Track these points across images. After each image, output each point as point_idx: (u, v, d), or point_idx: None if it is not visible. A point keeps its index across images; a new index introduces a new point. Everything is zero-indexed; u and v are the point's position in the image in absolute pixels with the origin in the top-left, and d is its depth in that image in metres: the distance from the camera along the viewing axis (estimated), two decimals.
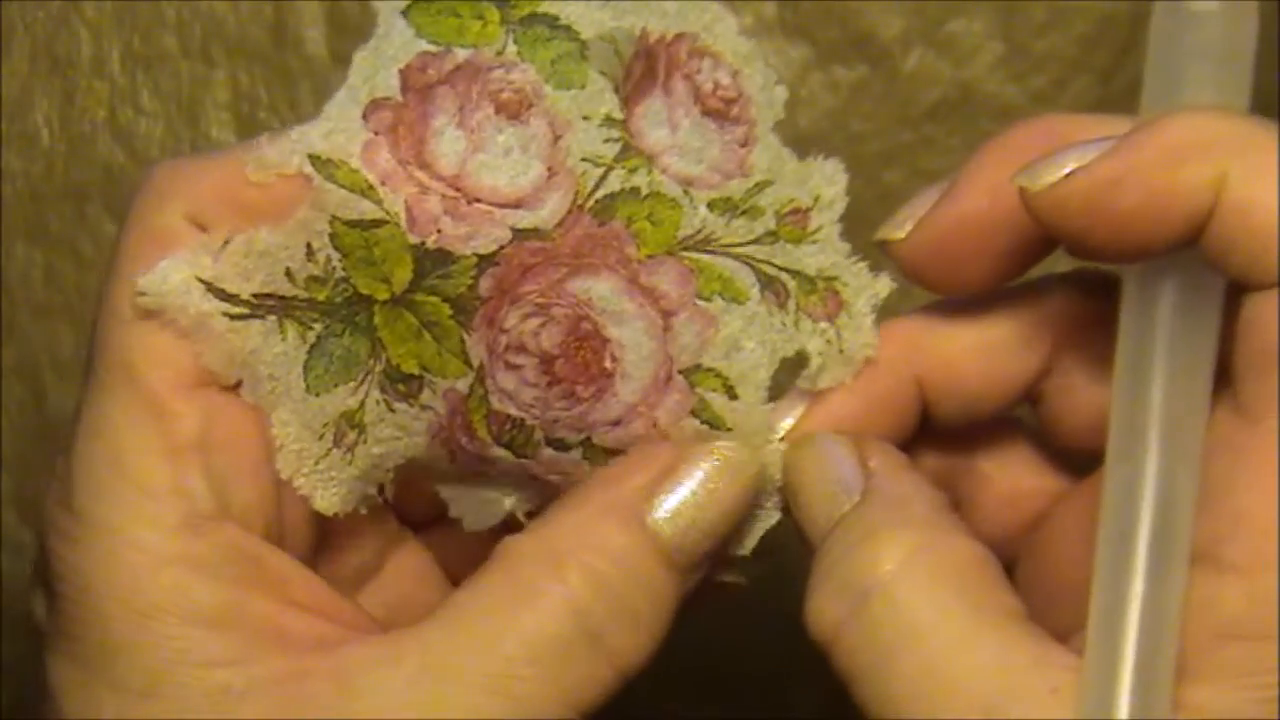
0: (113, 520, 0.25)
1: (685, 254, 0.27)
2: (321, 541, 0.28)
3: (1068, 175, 0.25)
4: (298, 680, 0.25)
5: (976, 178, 0.27)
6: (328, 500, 0.28)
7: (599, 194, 0.27)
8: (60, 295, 0.45)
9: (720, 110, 0.28)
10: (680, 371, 0.27)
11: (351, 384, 0.27)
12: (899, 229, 0.28)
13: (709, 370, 0.27)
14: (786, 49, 0.42)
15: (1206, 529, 0.24)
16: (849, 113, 0.42)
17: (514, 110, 0.27)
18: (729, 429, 0.28)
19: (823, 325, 0.28)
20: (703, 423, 0.28)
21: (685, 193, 0.27)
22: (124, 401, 0.26)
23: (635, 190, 0.27)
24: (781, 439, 0.28)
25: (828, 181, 0.29)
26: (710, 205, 0.28)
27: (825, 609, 0.25)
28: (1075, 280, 0.29)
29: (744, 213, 0.28)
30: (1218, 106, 0.25)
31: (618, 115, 0.27)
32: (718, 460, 0.27)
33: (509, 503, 0.29)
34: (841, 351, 0.28)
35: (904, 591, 0.25)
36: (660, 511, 0.27)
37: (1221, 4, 0.25)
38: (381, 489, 0.29)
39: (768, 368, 0.28)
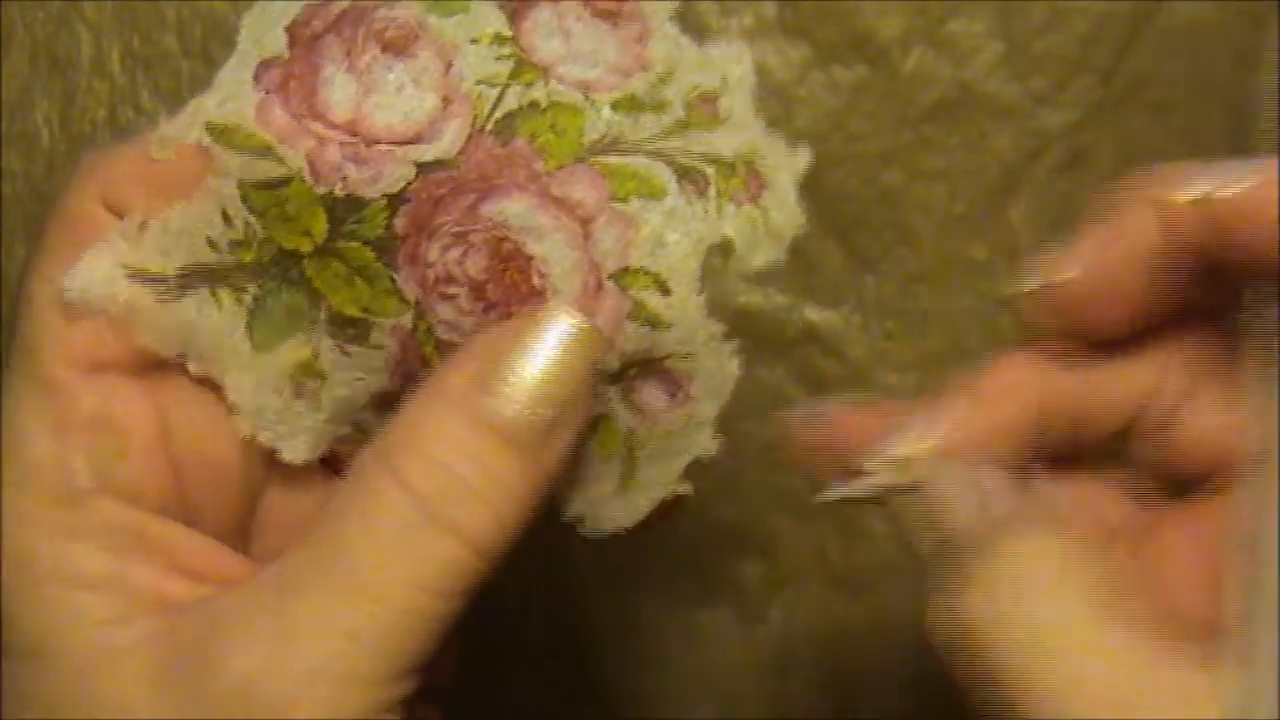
0: (4, 494, 0.27)
1: (595, 159, 0.27)
2: (260, 507, 0.29)
3: (1211, 191, 0.25)
4: (172, 633, 0.26)
5: (1108, 228, 0.27)
6: (295, 450, 0.28)
7: (498, 114, 0.27)
8: None
9: (610, 10, 0.28)
10: (609, 277, 0.27)
11: (300, 335, 0.28)
12: (1059, 271, 0.28)
13: (637, 271, 0.27)
14: (786, 49, 0.42)
15: None
16: (849, 113, 0.42)
17: (400, 46, 0.27)
18: (668, 325, 0.27)
19: (747, 207, 0.28)
20: (642, 324, 0.27)
21: (586, 98, 0.27)
22: (25, 383, 0.27)
23: (534, 104, 0.27)
24: (904, 459, 0.28)
25: (733, 62, 0.29)
26: (614, 106, 0.27)
27: (959, 610, 0.26)
28: (1191, 307, 0.29)
29: (650, 108, 0.28)
30: None
31: (506, 33, 0.27)
32: (545, 330, 0.27)
33: None
34: (769, 230, 0.28)
35: (1038, 593, 0.25)
36: (490, 391, 0.26)
37: None
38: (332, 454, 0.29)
39: (696, 258, 0.28)
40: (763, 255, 0.28)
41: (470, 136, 0.27)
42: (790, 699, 0.43)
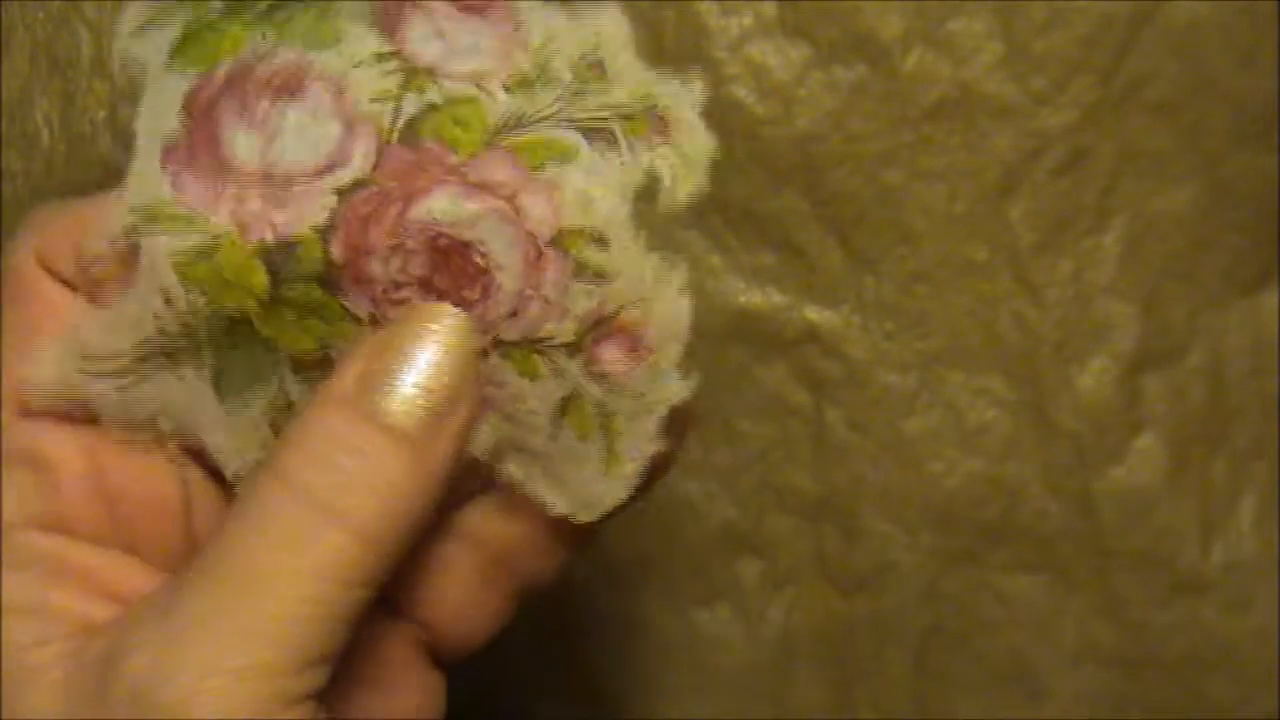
0: None
1: (503, 140, 0.28)
2: (204, 531, 0.30)
3: None
4: (84, 649, 0.27)
5: None
6: None
7: (400, 124, 0.27)
8: None
9: (477, 6, 0.29)
10: (547, 244, 0.28)
11: (267, 383, 0.28)
12: None
13: (570, 231, 0.28)
14: (786, 49, 0.42)
15: None
16: (849, 113, 0.42)
17: (290, 88, 0.28)
18: (614, 276, 0.28)
19: (660, 147, 0.29)
20: (591, 280, 0.28)
21: (478, 88, 0.28)
22: None
23: (432, 106, 0.28)
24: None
25: (608, 21, 0.29)
26: (507, 89, 0.28)
27: None
28: None
29: (541, 83, 0.28)
30: None
31: (386, 49, 0.28)
32: (422, 324, 0.27)
33: None
34: (685, 162, 0.28)
35: None
36: (372, 388, 0.27)
37: None
38: None
39: (624, 206, 0.28)
40: (685, 187, 0.29)
41: (380, 150, 0.27)
42: (790, 699, 0.43)
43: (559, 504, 0.29)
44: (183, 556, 0.30)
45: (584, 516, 0.29)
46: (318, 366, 0.28)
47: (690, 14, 0.42)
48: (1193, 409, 0.43)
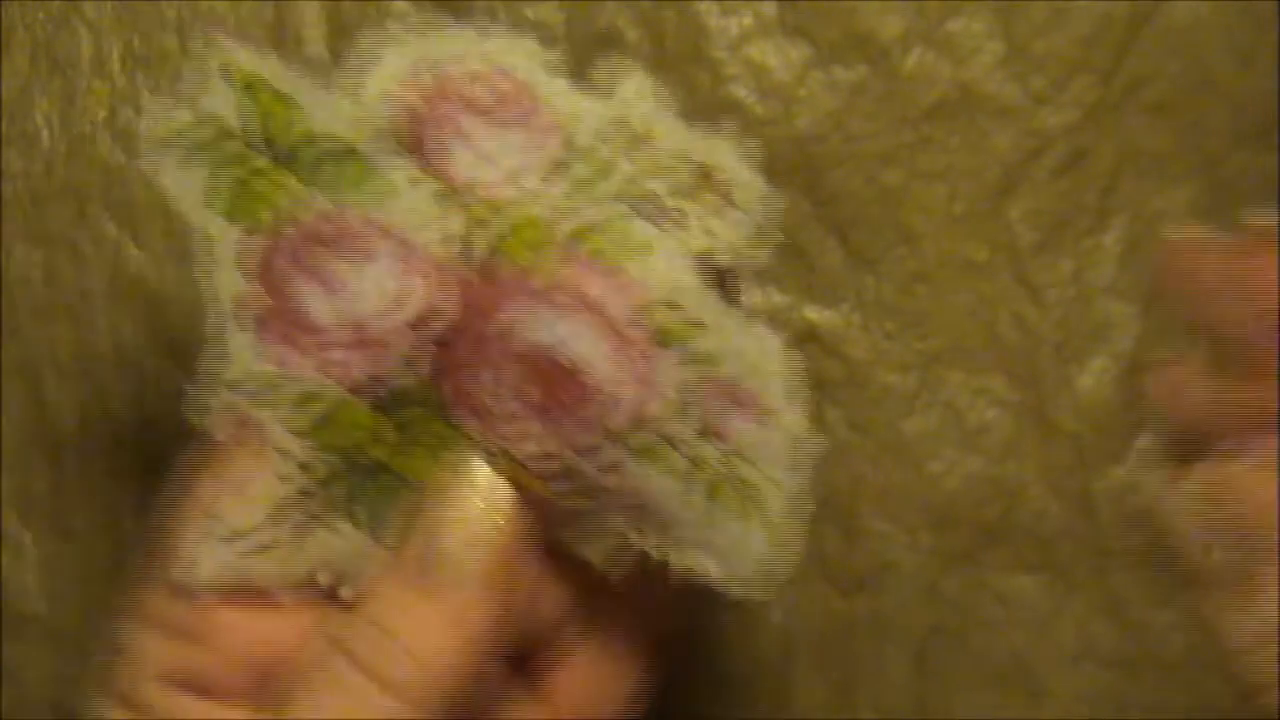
0: (110, 675, 0.29)
1: (567, 242, 0.27)
2: None
3: None
4: None
5: None
6: None
7: (473, 259, 0.27)
8: (60, 295, 0.45)
9: (514, 112, 0.28)
10: (643, 339, 0.27)
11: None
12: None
13: (660, 319, 0.28)
14: (786, 49, 0.42)
15: None
16: (849, 113, 0.42)
17: (359, 248, 0.27)
18: (712, 350, 0.28)
19: (712, 203, 0.28)
20: (695, 360, 0.28)
21: (534, 200, 0.27)
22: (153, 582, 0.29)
23: (499, 235, 0.27)
24: None
25: (635, 93, 0.29)
26: (555, 182, 0.28)
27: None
28: None
29: (594, 174, 0.28)
30: None
31: (439, 187, 0.27)
32: (465, 488, 0.28)
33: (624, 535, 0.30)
34: (744, 213, 0.28)
35: None
36: (420, 553, 0.28)
37: None
38: None
39: (698, 274, 0.28)
40: (748, 245, 0.28)
41: (460, 288, 0.27)
42: (790, 699, 0.43)
43: (714, 570, 0.29)
44: None
45: (760, 593, 0.29)
46: None
47: (690, 14, 0.42)
48: None
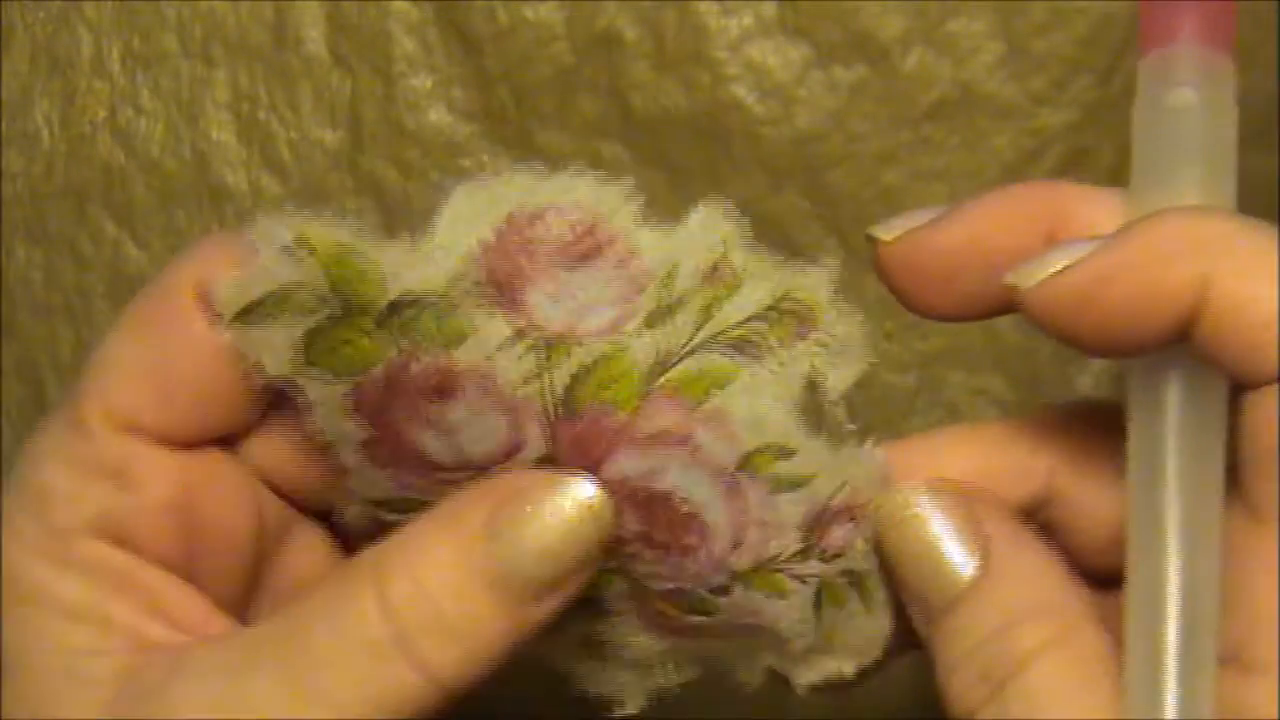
0: (12, 513, 0.28)
1: (659, 384, 0.27)
2: (267, 571, 0.30)
3: (1057, 273, 0.25)
4: (135, 670, 0.27)
5: (975, 214, 0.28)
6: None
7: (556, 399, 0.27)
8: (60, 295, 0.45)
9: (588, 250, 0.27)
10: (738, 471, 0.27)
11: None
12: (888, 232, 0.28)
13: (753, 453, 0.27)
14: (786, 49, 0.42)
15: (1229, 631, 0.25)
16: (849, 113, 0.42)
17: (444, 390, 0.27)
18: (810, 478, 0.28)
19: (808, 341, 0.28)
20: (792, 488, 0.28)
21: (617, 335, 0.27)
22: (59, 421, 0.28)
23: (579, 373, 0.27)
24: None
25: (713, 223, 0.28)
26: (646, 325, 0.27)
27: (964, 693, 0.26)
28: (1067, 410, 0.29)
29: (676, 309, 0.28)
30: (1206, 206, 0.25)
31: (517, 327, 0.27)
32: (563, 493, 0.27)
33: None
34: (838, 347, 0.28)
35: (1041, 683, 0.25)
36: (495, 538, 0.27)
37: (1200, 96, 0.26)
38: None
39: (793, 409, 0.28)
40: (844, 375, 0.28)
41: (548, 429, 0.27)
42: (790, 699, 0.43)
43: (846, 669, 0.30)
44: (240, 594, 0.30)
45: (862, 662, 0.30)
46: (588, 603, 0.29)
47: (690, 14, 0.42)
48: None
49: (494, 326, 0.27)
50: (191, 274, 0.28)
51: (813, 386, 0.28)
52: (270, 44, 0.44)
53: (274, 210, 0.27)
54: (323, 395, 0.27)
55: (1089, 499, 0.28)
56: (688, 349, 0.27)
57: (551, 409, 0.27)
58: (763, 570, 0.28)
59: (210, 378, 0.28)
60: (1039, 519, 0.29)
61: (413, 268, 0.27)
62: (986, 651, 0.26)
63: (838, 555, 0.28)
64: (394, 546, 0.27)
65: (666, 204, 0.43)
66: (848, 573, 0.29)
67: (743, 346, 0.28)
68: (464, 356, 0.27)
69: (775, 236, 0.43)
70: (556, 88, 0.43)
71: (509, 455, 0.27)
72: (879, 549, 0.28)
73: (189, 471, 0.28)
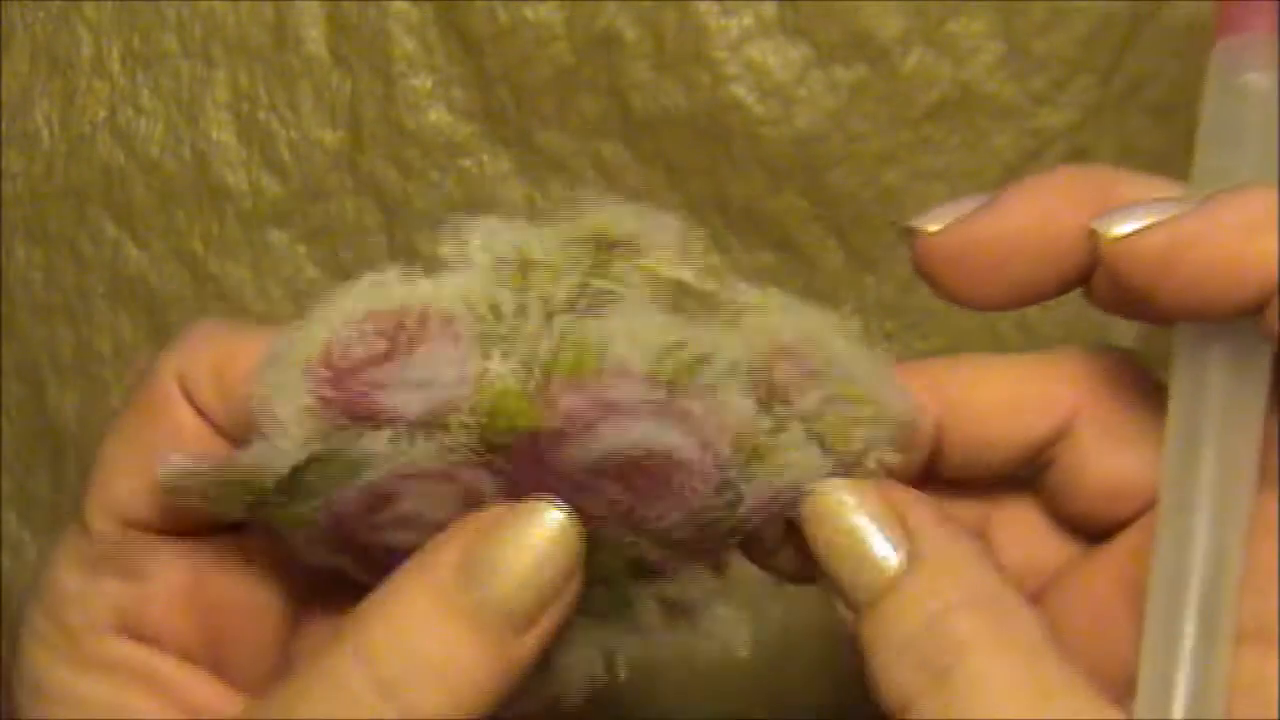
0: (34, 617, 0.29)
1: (555, 380, 0.27)
2: (300, 635, 0.31)
3: (1145, 228, 0.25)
4: None
5: (1024, 199, 0.27)
6: None
7: (478, 450, 0.27)
8: (60, 295, 0.45)
9: (407, 340, 0.27)
10: (668, 398, 0.27)
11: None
12: (934, 223, 0.28)
13: (669, 371, 0.27)
14: (786, 49, 0.42)
15: (1254, 607, 0.25)
16: (849, 113, 0.42)
17: (385, 499, 0.27)
18: (716, 350, 0.28)
19: (639, 260, 0.28)
20: (714, 376, 0.28)
21: (488, 378, 0.27)
22: (72, 523, 0.29)
23: (486, 418, 0.27)
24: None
25: (496, 240, 0.28)
26: (504, 355, 0.27)
27: (901, 683, 0.26)
28: (1097, 352, 0.29)
29: (518, 322, 0.28)
30: None
31: (395, 429, 0.27)
32: (531, 522, 0.27)
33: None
34: (667, 248, 0.28)
35: (979, 668, 0.25)
36: (468, 578, 0.26)
37: (1271, 78, 0.26)
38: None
39: (672, 318, 0.28)
40: (677, 258, 0.28)
41: (491, 474, 0.28)
42: (790, 697, 0.43)
43: (886, 459, 0.29)
44: (275, 665, 0.30)
45: (893, 440, 0.29)
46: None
47: (690, 14, 0.42)
48: None
49: (374, 440, 0.27)
50: (176, 365, 0.29)
51: (670, 285, 0.28)
52: (270, 44, 0.44)
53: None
54: (288, 534, 0.28)
55: (1098, 444, 0.28)
56: (551, 338, 0.27)
57: (483, 459, 0.27)
58: (751, 455, 0.28)
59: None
60: (1045, 457, 0.29)
61: (269, 460, 0.27)
62: (922, 640, 0.26)
63: (802, 391, 0.28)
64: (372, 603, 0.27)
65: (667, 204, 0.43)
66: (833, 398, 0.28)
67: (595, 302, 0.28)
68: (372, 474, 0.27)
69: (775, 236, 0.43)
70: (556, 88, 0.43)
71: (474, 505, 0.28)
72: (811, 546, 0.28)
73: (199, 556, 0.29)
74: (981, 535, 0.30)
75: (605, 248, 0.28)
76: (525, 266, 0.28)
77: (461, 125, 0.44)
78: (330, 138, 0.44)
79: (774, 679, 0.43)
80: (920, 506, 0.27)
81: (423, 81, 0.44)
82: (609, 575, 0.29)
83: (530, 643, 0.27)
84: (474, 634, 0.26)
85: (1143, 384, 0.28)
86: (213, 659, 0.29)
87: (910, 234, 0.28)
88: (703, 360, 0.27)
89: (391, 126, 0.44)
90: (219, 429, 0.29)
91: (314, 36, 0.44)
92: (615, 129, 0.43)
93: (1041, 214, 0.27)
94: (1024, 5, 0.41)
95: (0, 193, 0.44)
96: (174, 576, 0.29)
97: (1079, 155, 0.42)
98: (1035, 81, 0.42)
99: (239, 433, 0.28)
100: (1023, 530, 0.30)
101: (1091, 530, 0.29)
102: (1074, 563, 0.29)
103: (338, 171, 0.44)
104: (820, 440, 0.28)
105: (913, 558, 0.26)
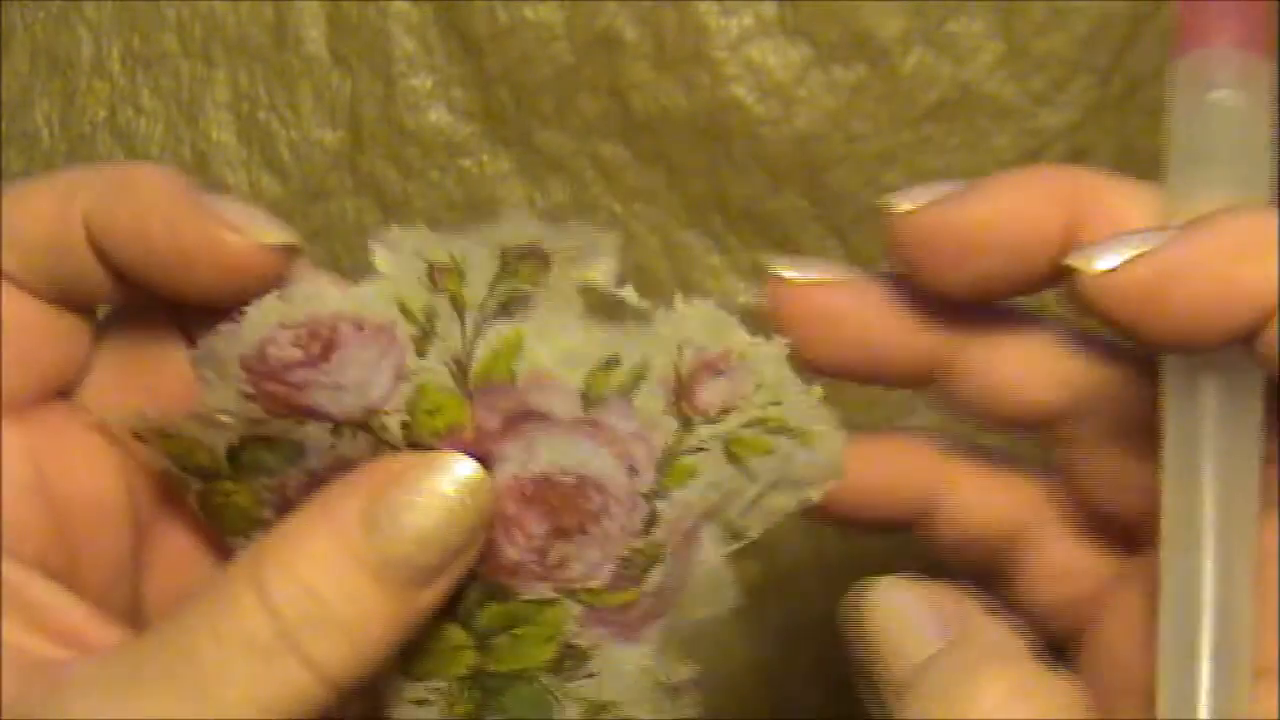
0: None
1: (474, 383, 0.27)
2: (149, 543, 0.29)
3: (1125, 261, 0.24)
4: (24, 695, 0.25)
5: (1001, 191, 0.27)
6: None
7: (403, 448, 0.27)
8: None
9: (323, 346, 0.27)
10: (585, 412, 0.27)
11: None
12: (909, 202, 0.28)
13: (585, 383, 0.28)
14: (786, 49, 0.42)
15: (1261, 642, 0.24)
16: (849, 113, 0.42)
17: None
18: (649, 364, 0.28)
19: (555, 262, 0.28)
20: (633, 389, 0.28)
21: (407, 377, 0.27)
22: None
23: (409, 416, 0.27)
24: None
25: (407, 252, 0.28)
26: (419, 353, 0.27)
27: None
28: (1106, 340, 0.29)
29: (432, 322, 0.28)
30: (1266, 204, 0.25)
31: (323, 427, 0.27)
32: (438, 474, 0.26)
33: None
34: (580, 247, 0.28)
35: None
36: (374, 528, 0.26)
37: (1240, 95, 0.26)
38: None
39: (588, 324, 0.28)
40: (591, 255, 0.28)
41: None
42: (790, 698, 0.43)
43: (791, 501, 0.29)
44: (125, 568, 0.29)
45: (825, 486, 0.29)
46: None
47: (690, 14, 0.42)
48: None
49: (312, 430, 0.27)
50: (79, 205, 0.27)
51: (590, 291, 0.28)
52: (270, 44, 0.44)
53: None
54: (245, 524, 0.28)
55: (1101, 427, 0.28)
56: (469, 339, 0.27)
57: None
58: (668, 471, 0.28)
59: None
60: (1049, 430, 0.29)
61: (211, 429, 0.27)
62: (947, 699, 0.25)
63: (725, 411, 0.28)
64: (271, 545, 0.26)
65: (667, 204, 0.43)
66: (756, 422, 0.28)
67: (509, 305, 0.27)
68: (314, 461, 0.27)
69: (775, 236, 0.43)
70: (556, 88, 0.43)
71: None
72: (859, 637, 0.28)
73: (39, 438, 0.27)
74: (1024, 538, 0.30)
75: (524, 256, 0.28)
76: (444, 273, 0.27)
77: (461, 125, 0.44)
78: (330, 138, 0.44)
79: (774, 678, 0.43)
80: (961, 596, 0.28)
81: (423, 81, 0.44)
82: (529, 670, 0.29)
83: (433, 595, 0.26)
84: (378, 588, 0.25)
85: (1131, 368, 0.28)
86: (67, 569, 0.27)
87: (885, 211, 0.28)
88: (634, 376, 0.27)
89: (391, 126, 0.44)
90: (121, 275, 0.27)
91: (314, 36, 0.44)
92: (615, 129, 0.43)
93: (1016, 208, 0.27)
94: (1024, 5, 0.41)
95: (0, 193, 0.44)
96: (22, 466, 0.27)
97: (1079, 155, 0.42)
98: (1035, 81, 0.42)
99: (154, 280, 0.27)
100: (1067, 536, 0.30)
101: (1121, 526, 0.29)
102: (1118, 578, 0.29)
103: (337, 171, 0.44)
104: (738, 461, 0.28)
105: (955, 638, 0.27)
